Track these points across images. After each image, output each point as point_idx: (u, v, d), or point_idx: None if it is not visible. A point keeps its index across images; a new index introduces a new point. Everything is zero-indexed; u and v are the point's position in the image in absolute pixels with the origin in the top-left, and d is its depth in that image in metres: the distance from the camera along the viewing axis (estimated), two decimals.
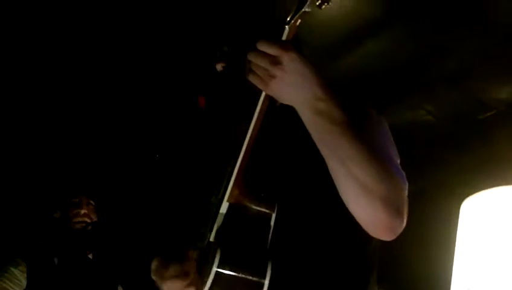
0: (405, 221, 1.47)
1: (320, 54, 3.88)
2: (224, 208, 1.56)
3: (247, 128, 1.51)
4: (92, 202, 3.58)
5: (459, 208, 2.08)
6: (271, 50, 1.39)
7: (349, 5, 3.50)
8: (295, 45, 1.54)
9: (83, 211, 3.48)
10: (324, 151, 1.43)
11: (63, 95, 4.25)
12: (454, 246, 1.98)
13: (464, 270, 1.89)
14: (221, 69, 1.76)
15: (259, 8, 1.86)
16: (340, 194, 1.44)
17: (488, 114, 4.42)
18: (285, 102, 1.44)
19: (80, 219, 3.46)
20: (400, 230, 1.47)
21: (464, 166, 4.48)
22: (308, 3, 1.38)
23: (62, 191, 3.69)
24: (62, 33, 3.75)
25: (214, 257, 1.46)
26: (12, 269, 3.26)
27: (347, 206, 1.44)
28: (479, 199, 1.95)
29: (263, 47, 1.39)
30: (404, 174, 1.57)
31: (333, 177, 1.44)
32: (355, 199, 1.42)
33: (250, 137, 1.51)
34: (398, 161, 1.63)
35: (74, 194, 3.57)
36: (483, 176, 3.72)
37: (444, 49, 3.88)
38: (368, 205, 1.41)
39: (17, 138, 4.42)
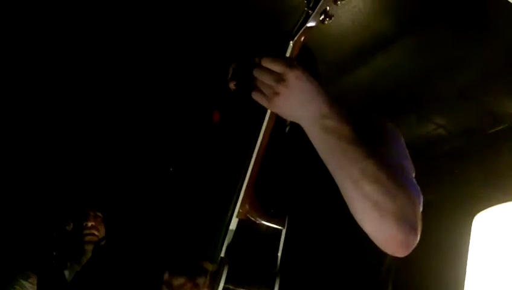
0: (419, 236, 1.45)
1: (331, 69, 3.89)
2: (234, 224, 1.56)
3: (255, 144, 1.53)
4: (99, 214, 3.58)
5: (470, 222, 2.08)
6: (275, 67, 1.39)
7: (359, 20, 3.51)
8: (308, 61, 1.55)
9: (90, 224, 3.48)
10: (333, 170, 1.42)
11: (76, 108, 4.28)
12: (466, 260, 1.98)
13: (476, 285, 1.89)
14: (234, 87, 1.76)
15: (265, 24, 1.89)
16: (352, 212, 1.43)
17: (499, 128, 4.41)
18: (291, 119, 1.45)
19: (87, 231, 3.46)
20: (414, 245, 1.46)
21: (475, 180, 4.46)
22: (310, 18, 1.41)
23: (74, 203, 3.70)
24: (73, 39, 3.77)
25: (222, 272, 1.48)
26: (23, 281, 3.27)
27: (359, 223, 1.43)
28: (491, 214, 1.94)
29: (268, 64, 1.40)
30: (418, 188, 1.57)
31: (344, 195, 1.42)
32: (368, 217, 1.40)
33: (258, 153, 1.53)
34: (413, 174, 1.63)
35: (82, 207, 3.57)
36: (494, 190, 3.72)
37: (454, 63, 3.88)
38: (381, 222, 1.39)
39: (27, 149, 4.44)
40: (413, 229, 1.42)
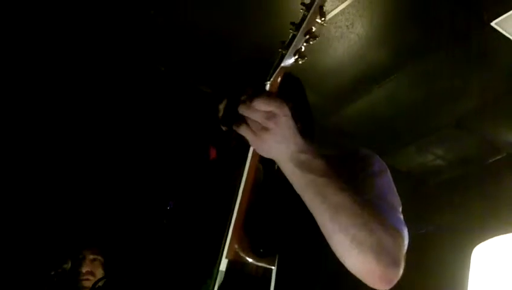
0: (401, 270, 1.44)
1: (329, 101, 3.92)
2: (223, 265, 1.53)
3: (240, 182, 1.53)
4: (99, 257, 3.55)
5: (469, 253, 2.08)
6: (268, 107, 1.39)
7: (355, 52, 3.55)
8: (295, 90, 1.56)
9: (85, 270, 3.46)
10: (310, 205, 1.42)
11: (78, 144, 4.30)
12: (465, 287, 1.98)
13: None
14: (225, 127, 1.77)
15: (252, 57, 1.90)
16: (331, 247, 1.42)
17: (498, 157, 4.43)
18: (268, 155, 1.45)
19: (83, 277, 3.45)
20: (396, 280, 1.45)
21: (474, 210, 4.46)
22: (285, 59, 1.43)
23: (72, 241, 3.69)
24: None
25: None
26: None
27: (340, 259, 1.42)
28: (490, 245, 1.95)
29: (259, 104, 1.40)
30: (403, 222, 1.57)
31: (323, 232, 1.42)
32: (346, 251, 1.40)
33: (244, 190, 1.53)
34: (400, 208, 1.62)
35: (80, 248, 3.55)
36: (494, 220, 3.72)
37: (451, 93, 3.91)
38: (359, 256, 1.38)
39: (27, 182, 4.44)
40: (394, 263, 1.42)
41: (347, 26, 3.33)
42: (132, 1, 3.30)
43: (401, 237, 1.49)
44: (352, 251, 1.38)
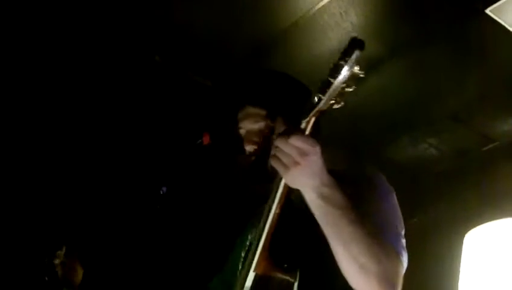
0: None
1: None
2: (250, 278, 1.74)
3: (272, 204, 1.71)
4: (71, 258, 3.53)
5: (462, 241, 2.09)
6: (302, 145, 1.53)
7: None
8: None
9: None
10: (327, 232, 1.60)
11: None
12: (458, 277, 1.99)
13: None
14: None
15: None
16: (342, 271, 1.61)
17: (491, 146, 4.43)
18: (296, 186, 1.60)
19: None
20: None
21: (468, 199, 4.47)
22: (321, 104, 1.54)
23: (67, 228, 3.67)
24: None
25: None
26: None
27: (348, 281, 1.62)
28: (482, 231, 1.96)
29: (296, 141, 1.53)
30: (404, 248, 1.75)
31: (335, 255, 1.61)
32: (354, 276, 1.60)
33: (273, 218, 1.71)
34: (403, 233, 1.80)
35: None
36: (487, 209, 3.73)
37: (445, 85, 3.91)
38: (365, 282, 1.59)
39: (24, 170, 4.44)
40: (394, 288, 1.63)
41: (341, 14, 3.32)
42: None
43: (402, 265, 1.70)
44: (359, 275, 1.58)
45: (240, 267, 2.04)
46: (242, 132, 2.11)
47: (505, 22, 3.29)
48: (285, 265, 1.73)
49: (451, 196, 4.63)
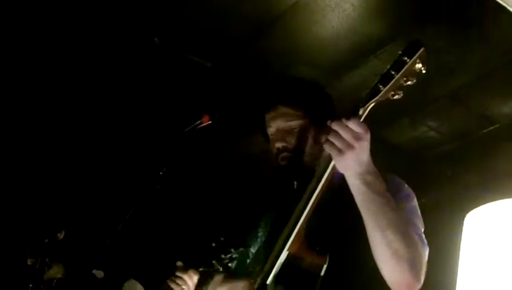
0: (422, 283, 1.74)
1: (324, 72, 3.91)
2: (283, 256, 1.82)
3: (315, 190, 1.78)
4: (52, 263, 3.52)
5: (462, 223, 2.09)
6: (358, 128, 1.62)
7: (350, 24, 3.53)
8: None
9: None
10: (366, 217, 1.69)
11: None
12: (459, 257, 2.00)
13: (468, 281, 1.91)
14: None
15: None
16: (374, 256, 1.71)
17: (490, 129, 4.43)
18: (343, 170, 1.69)
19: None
20: None
21: (467, 180, 4.49)
22: (381, 94, 1.66)
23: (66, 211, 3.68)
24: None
25: None
26: None
27: (378, 266, 1.71)
28: (482, 212, 1.97)
29: (353, 124, 1.62)
30: (426, 242, 1.86)
31: (370, 240, 1.71)
32: (387, 261, 1.69)
33: (314, 201, 1.78)
34: (423, 230, 1.90)
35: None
36: (487, 190, 3.74)
37: (446, 66, 3.90)
38: (397, 266, 1.68)
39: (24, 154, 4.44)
40: (421, 275, 1.73)
41: None
42: None
43: (425, 256, 1.82)
44: (391, 260, 1.68)
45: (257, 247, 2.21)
46: (271, 130, 2.17)
47: (505, 3, 3.28)
48: (318, 248, 1.81)
49: (451, 177, 4.64)
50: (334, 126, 1.64)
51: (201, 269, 2.25)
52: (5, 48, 3.72)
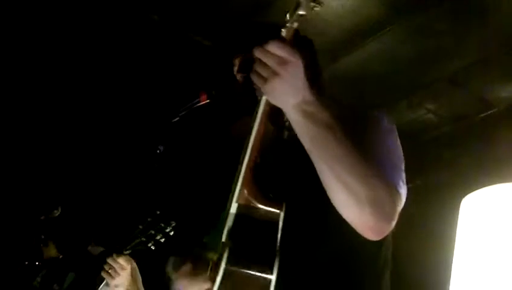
0: (393, 224, 1.53)
1: (322, 53, 3.88)
2: (233, 208, 1.61)
3: (251, 132, 1.60)
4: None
5: (459, 206, 2.10)
6: (281, 51, 1.43)
7: (349, 5, 3.51)
8: (306, 50, 1.58)
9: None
10: (312, 154, 1.48)
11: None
12: (454, 242, 2.00)
13: (463, 264, 1.91)
14: (242, 79, 1.78)
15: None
16: (330, 197, 1.50)
17: (489, 112, 4.43)
18: (276, 102, 1.49)
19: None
20: (387, 232, 1.54)
21: (465, 164, 4.49)
22: (300, 7, 1.46)
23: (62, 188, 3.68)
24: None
25: (223, 255, 1.52)
26: None
27: (336, 208, 1.50)
28: (479, 196, 1.97)
29: (273, 48, 1.43)
30: (403, 181, 1.64)
31: (322, 180, 1.49)
32: (343, 201, 1.48)
33: (255, 139, 1.60)
34: (403, 167, 1.69)
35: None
36: (484, 174, 3.74)
37: (445, 49, 3.89)
38: (354, 206, 1.46)
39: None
40: (387, 217, 1.51)
41: None
42: None
43: (398, 194, 1.57)
44: (349, 201, 1.46)
45: None
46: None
47: None
48: (270, 195, 1.60)
49: (449, 161, 4.64)
50: (257, 53, 1.45)
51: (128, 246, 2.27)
52: None
